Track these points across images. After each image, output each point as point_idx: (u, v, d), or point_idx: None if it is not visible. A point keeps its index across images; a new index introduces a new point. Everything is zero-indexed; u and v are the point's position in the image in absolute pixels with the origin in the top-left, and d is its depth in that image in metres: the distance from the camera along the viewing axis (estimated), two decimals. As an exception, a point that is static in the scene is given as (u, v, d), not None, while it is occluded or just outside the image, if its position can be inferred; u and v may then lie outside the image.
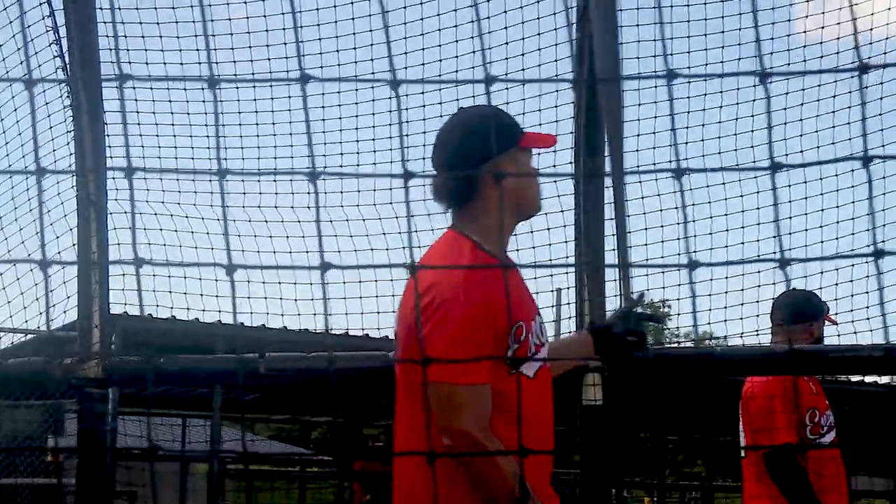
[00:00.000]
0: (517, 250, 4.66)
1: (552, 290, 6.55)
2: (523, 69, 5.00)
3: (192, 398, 14.66)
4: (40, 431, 10.73)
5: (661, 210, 4.84)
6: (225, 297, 6.16)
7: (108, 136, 4.37)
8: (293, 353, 4.13)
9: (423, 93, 5.23)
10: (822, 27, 5.20)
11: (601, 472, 4.13)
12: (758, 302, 5.01)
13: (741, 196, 5.03)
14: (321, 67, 5.13)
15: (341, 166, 5.38)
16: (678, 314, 6.58)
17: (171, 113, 5.04)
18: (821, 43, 5.24)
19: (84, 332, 4.37)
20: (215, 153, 5.23)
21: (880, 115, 5.18)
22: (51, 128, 4.76)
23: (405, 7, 5.10)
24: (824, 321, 5.03)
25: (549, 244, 4.80)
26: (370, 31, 5.22)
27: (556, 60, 5.01)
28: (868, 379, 12.22)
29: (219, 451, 11.55)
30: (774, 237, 4.62)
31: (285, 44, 5.19)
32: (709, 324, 6.60)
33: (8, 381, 4.35)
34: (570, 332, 4.49)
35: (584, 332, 3.44)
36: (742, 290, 5.00)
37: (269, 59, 5.30)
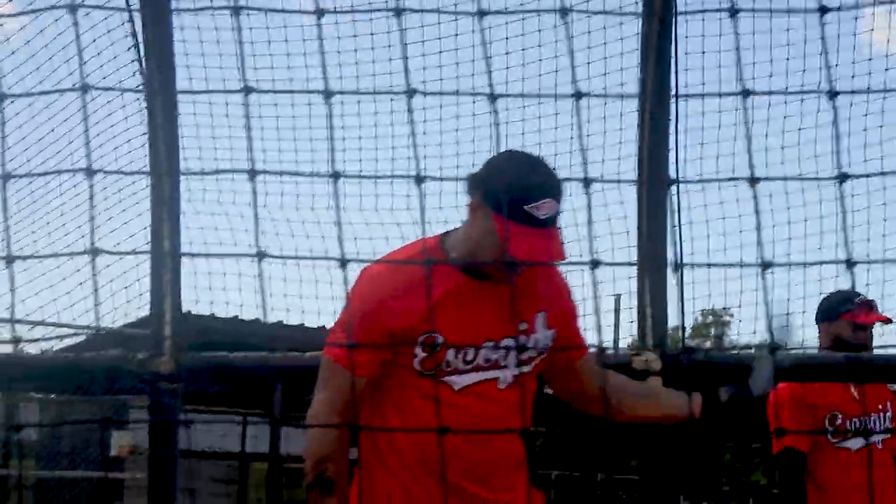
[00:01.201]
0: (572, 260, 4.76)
1: (612, 295, 6.60)
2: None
3: (251, 397, 14.79)
4: (100, 427, 10.92)
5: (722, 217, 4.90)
6: (286, 296, 6.27)
7: (182, 137, 4.50)
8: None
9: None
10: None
11: (666, 478, 4.16)
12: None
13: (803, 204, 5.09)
14: (424, 82, 5.25)
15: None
16: (739, 320, 6.54)
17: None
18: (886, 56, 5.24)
19: (157, 327, 4.47)
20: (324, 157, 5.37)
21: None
22: (127, 130, 4.91)
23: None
24: (850, 321, 4.94)
25: (612, 248, 4.86)
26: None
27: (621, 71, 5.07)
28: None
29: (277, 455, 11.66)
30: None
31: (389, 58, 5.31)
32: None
33: (83, 374, 4.46)
34: (629, 339, 4.55)
35: (696, 397, 3.31)
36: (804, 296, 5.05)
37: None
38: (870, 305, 4.96)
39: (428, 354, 2.94)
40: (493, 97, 2.05)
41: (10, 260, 2.27)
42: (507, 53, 5.28)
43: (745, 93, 1.86)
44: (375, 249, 5.36)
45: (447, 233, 3.12)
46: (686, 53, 4.51)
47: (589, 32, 5.09)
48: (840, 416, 4.91)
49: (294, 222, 5.40)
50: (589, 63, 5.13)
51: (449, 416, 2.75)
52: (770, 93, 4.99)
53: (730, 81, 4.93)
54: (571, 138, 5.13)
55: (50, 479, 10.97)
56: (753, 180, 1.87)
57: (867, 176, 4.36)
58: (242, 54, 5.16)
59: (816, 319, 5.04)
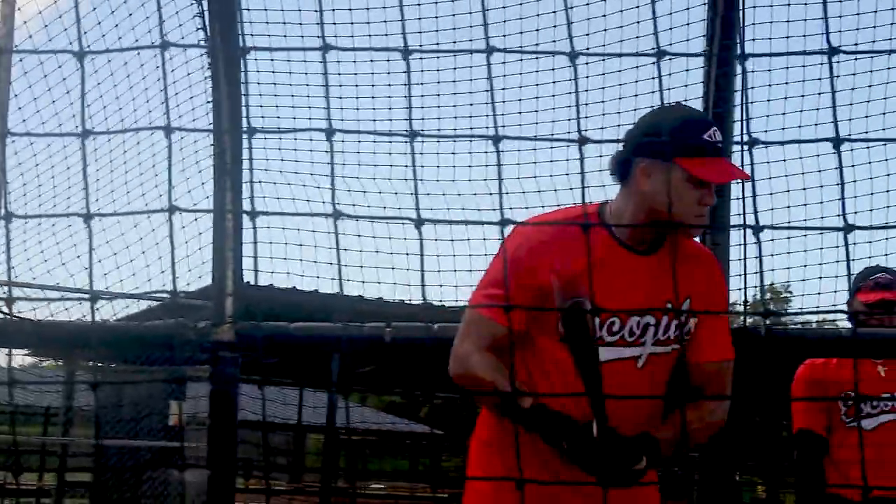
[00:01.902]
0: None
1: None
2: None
3: (306, 369, 14.87)
4: (164, 396, 11.01)
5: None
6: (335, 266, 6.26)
7: (247, 106, 4.47)
8: (418, 324, 4.16)
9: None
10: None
11: (721, 455, 4.10)
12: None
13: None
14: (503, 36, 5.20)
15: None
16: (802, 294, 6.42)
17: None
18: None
19: (218, 296, 4.45)
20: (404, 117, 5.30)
21: None
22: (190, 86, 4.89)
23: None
24: (860, 300, 4.85)
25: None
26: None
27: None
28: None
29: (339, 426, 11.69)
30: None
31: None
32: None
33: (143, 342, 4.46)
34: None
35: None
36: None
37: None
38: (877, 283, 4.84)
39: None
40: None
41: (88, 217, 2.22)
42: None
43: (833, 51, 1.78)
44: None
45: (605, 202, 3.08)
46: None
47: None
48: (854, 395, 4.83)
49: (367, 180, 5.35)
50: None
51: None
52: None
53: None
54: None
55: (110, 448, 11.08)
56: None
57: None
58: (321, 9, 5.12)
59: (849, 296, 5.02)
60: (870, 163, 5.08)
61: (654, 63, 4.90)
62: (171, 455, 10.57)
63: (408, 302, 9.05)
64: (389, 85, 5.34)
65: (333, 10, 5.27)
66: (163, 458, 10.77)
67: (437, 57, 5.16)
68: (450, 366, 2.99)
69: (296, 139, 5.15)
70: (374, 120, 5.33)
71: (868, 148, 5.05)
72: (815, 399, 4.84)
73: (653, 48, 1.80)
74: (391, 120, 5.30)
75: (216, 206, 4.59)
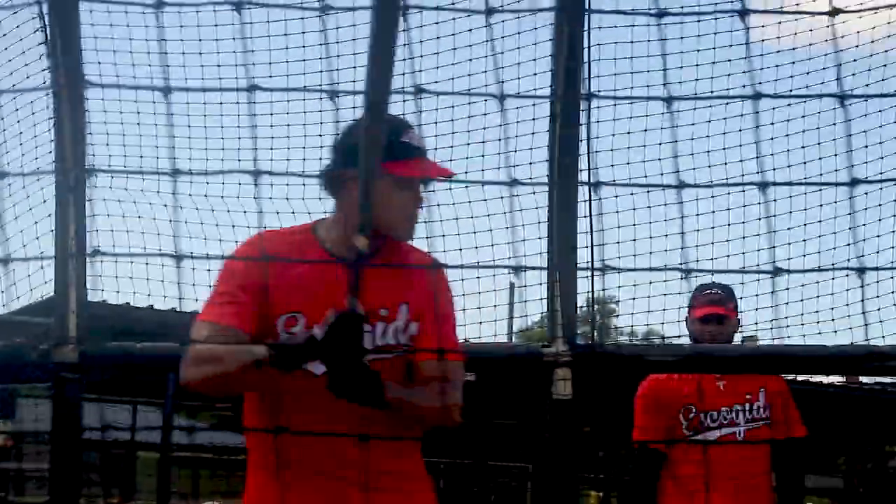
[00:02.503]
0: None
1: (505, 288, 6.64)
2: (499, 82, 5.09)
3: (141, 384, 14.60)
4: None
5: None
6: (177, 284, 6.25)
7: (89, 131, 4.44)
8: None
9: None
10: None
11: (565, 467, 4.23)
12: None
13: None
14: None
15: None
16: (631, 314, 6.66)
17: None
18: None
19: (60, 316, 4.39)
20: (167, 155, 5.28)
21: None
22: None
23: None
24: (693, 317, 5.00)
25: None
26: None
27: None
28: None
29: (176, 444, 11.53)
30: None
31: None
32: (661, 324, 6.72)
33: (-18, 364, 4.36)
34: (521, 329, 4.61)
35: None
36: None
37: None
38: (709, 299, 4.96)
39: (289, 335, 2.97)
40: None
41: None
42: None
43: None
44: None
45: (321, 220, 3.17)
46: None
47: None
48: (694, 409, 4.95)
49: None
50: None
51: (309, 400, 2.89)
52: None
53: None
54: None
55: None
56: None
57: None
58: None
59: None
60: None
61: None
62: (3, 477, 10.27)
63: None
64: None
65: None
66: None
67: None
68: (183, 374, 3.00)
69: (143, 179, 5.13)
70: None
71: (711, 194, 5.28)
72: (653, 413, 4.97)
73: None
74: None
75: (57, 240, 4.54)
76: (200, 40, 5.18)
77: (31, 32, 4.72)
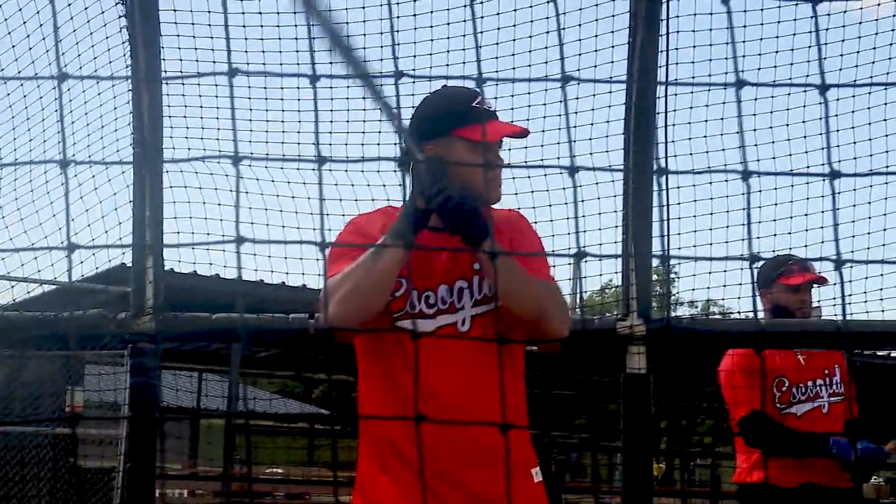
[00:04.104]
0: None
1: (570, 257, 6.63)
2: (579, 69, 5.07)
3: (205, 353, 14.79)
4: (60, 382, 10.86)
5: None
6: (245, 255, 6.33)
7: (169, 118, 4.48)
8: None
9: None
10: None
11: (643, 440, 4.23)
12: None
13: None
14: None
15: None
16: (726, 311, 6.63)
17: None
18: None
19: (138, 287, 4.46)
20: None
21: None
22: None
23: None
24: (783, 284, 4.97)
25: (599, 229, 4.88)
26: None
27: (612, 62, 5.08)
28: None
29: (240, 412, 11.67)
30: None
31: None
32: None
33: (62, 334, 4.45)
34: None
35: None
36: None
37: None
38: (803, 266, 4.99)
39: (393, 298, 2.97)
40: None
41: None
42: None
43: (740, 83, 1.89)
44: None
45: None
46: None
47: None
48: (787, 381, 4.98)
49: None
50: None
51: (424, 360, 2.86)
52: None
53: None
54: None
55: (8, 434, 10.92)
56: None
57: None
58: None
59: (756, 288, 5.11)
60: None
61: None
62: (68, 442, 10.45)
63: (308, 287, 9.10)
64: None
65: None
66: (62, 444, 10.64)
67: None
68: (324, 315, 3.00)
69: (218, 162, 5.18)
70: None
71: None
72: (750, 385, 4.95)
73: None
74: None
75: (136, 200, 4.62)
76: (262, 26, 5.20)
77: (115, 19, 4.76)
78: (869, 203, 5.31)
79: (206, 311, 4.35)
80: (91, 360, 10.84)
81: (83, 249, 1.89)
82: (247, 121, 5.27)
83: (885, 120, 5.27)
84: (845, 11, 5.19)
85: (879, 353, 11.51)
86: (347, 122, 5.36)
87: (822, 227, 5.30)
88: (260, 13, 5.21)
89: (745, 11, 5.13)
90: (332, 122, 5.32)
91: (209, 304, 5.18)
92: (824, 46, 3.81)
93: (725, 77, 4.96)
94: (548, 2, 5.16)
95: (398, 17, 5.17)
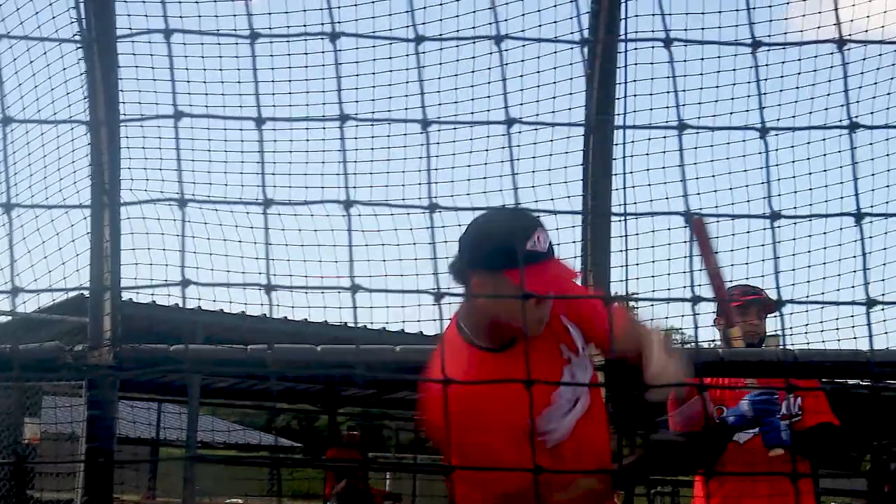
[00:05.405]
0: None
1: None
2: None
3: (163, 384, 14.72)
4: (16, 413, 10.77)
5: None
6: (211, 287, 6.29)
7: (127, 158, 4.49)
8: (304, 346, 4.25)
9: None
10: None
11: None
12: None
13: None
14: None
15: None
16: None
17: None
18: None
19: (95, 318, 4.47)
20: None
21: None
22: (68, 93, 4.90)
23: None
24: (734, 316, 4.99)
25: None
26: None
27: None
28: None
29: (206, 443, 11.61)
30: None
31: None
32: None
33: (17, 365, 4.43)
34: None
35: None
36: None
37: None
38: (746, 292, 4.98)
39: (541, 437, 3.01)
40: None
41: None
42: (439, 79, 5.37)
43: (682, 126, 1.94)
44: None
45: (458, 310, 3.14)
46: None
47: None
48: (724, 409, 4.99)
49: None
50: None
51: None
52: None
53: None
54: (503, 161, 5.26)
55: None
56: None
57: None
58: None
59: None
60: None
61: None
62: (25, 473, 10.36)
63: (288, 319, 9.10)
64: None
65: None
66: (18, 476, 10.54)
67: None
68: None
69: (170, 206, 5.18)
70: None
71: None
72: None
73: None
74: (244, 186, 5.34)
75: (93, 243, 4.61)
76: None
77: (73, 63, 4.77)
78: (809, 236, 5.40)
79: (165, 342, 4.36)
80: (48, 390, 10.77)
81: (41, 279, 1.91)
82: (205, 161, 5.27)
83: (825, 166, 5.34)
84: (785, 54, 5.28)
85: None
86: (290, 163, 5.37)
87: (763, 261, 5.38)
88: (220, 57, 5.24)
89: (684, 61, 5.22)
90: (274, 163, 5.32)
91: (168, 334, 5.18)
92: (763, 96, 3.90)
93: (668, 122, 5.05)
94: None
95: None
